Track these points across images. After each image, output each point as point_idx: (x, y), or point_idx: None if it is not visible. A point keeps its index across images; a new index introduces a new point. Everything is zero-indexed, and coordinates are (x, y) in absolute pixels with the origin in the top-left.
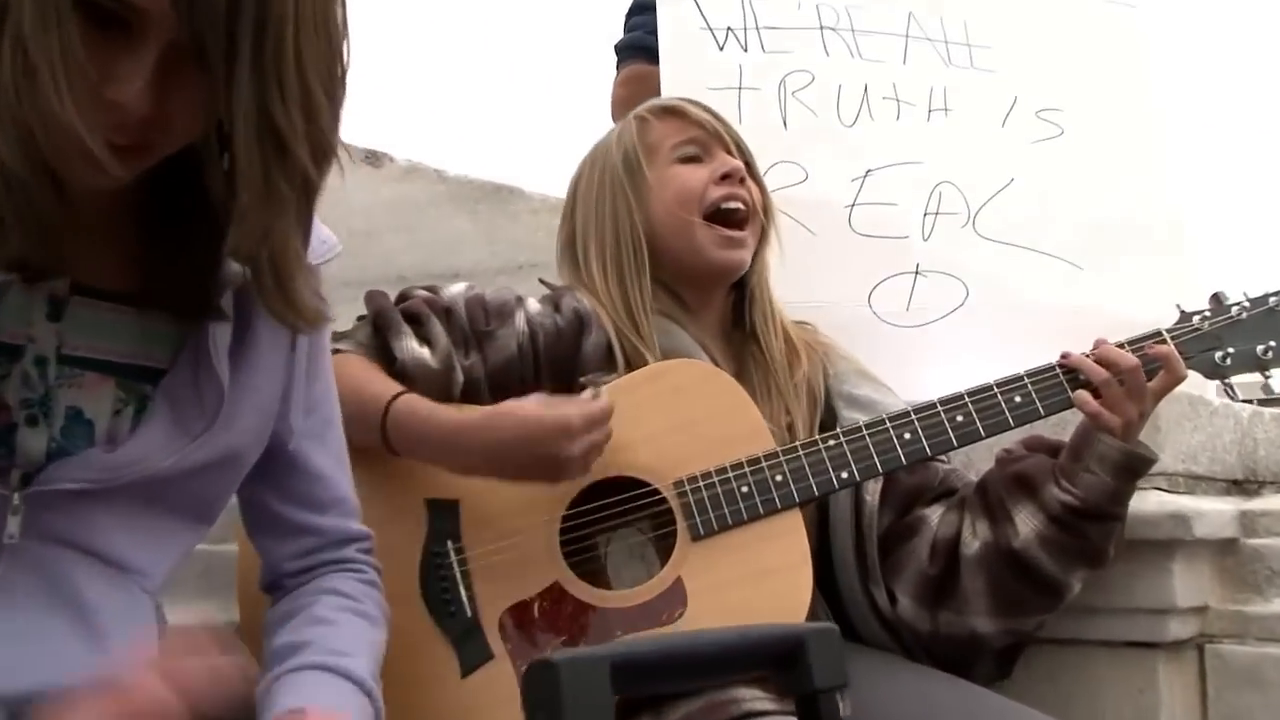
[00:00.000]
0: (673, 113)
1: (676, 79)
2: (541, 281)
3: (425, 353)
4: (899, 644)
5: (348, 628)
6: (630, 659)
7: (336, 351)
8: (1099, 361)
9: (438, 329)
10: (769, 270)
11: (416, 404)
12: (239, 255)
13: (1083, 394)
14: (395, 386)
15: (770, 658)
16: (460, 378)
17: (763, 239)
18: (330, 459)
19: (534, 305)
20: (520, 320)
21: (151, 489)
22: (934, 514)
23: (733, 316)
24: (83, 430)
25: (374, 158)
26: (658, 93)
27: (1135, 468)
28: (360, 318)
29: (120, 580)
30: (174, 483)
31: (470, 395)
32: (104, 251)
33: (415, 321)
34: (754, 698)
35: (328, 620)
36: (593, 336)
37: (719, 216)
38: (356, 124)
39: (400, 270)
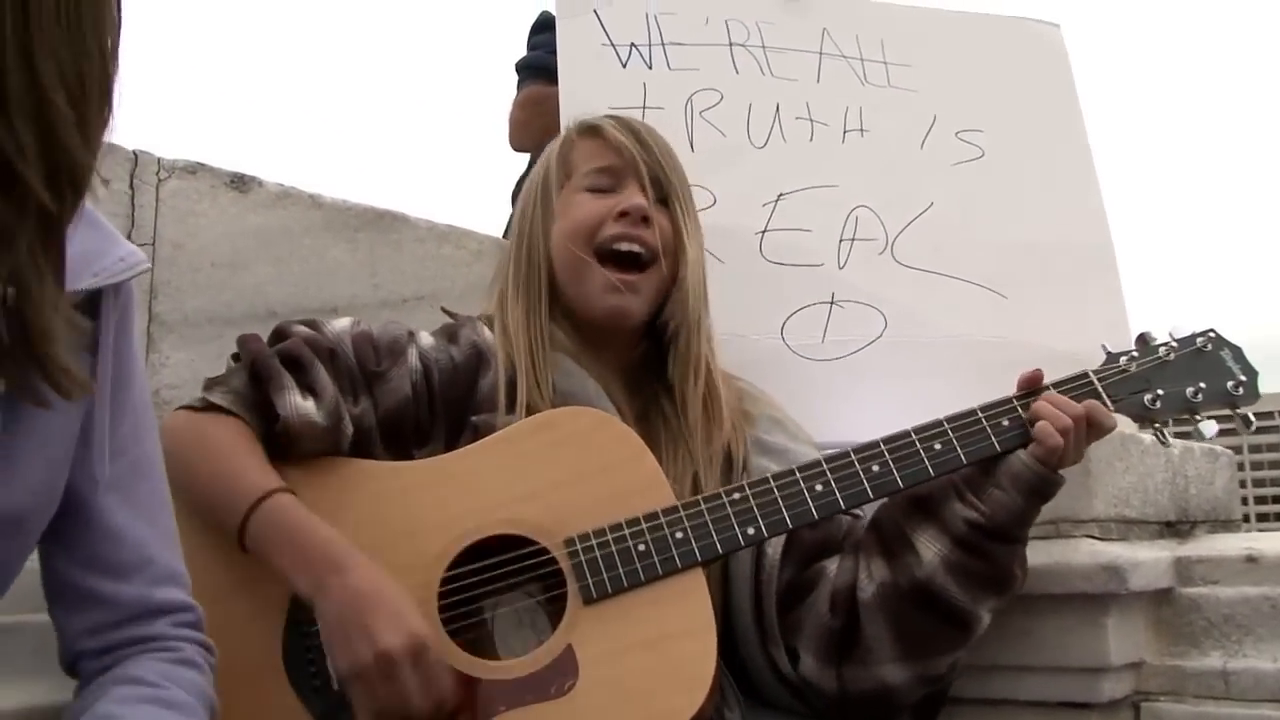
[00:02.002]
0: (592, 133)
1: (576, 98)
2: (443, 310)
3: (310, 407)
4: (807, 707)
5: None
6: None
7: (209, 405)
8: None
9: (323, 376)
10: (700, 320)
11: (283, 513)
12: None
13: (1045, 425)
14: (263, 483)
15: None
16: (349, 429)
17: (678, 286)
18: (136, 513)
19: (426, 339)
20: (413, 357)
21: None
22: (832, 564)
23: (645, 362)
24: None
25: (240, 182)
26: (558, 116)
27: (1047, 491)
28: (234, 357)
29: None
30: None
31: (361, 446)
32: None
33: (296, 368)
34: None
35: (110, 718)
36: (490, 375)
37: (611, 258)
38: (221, 145)
39: (271, 304)
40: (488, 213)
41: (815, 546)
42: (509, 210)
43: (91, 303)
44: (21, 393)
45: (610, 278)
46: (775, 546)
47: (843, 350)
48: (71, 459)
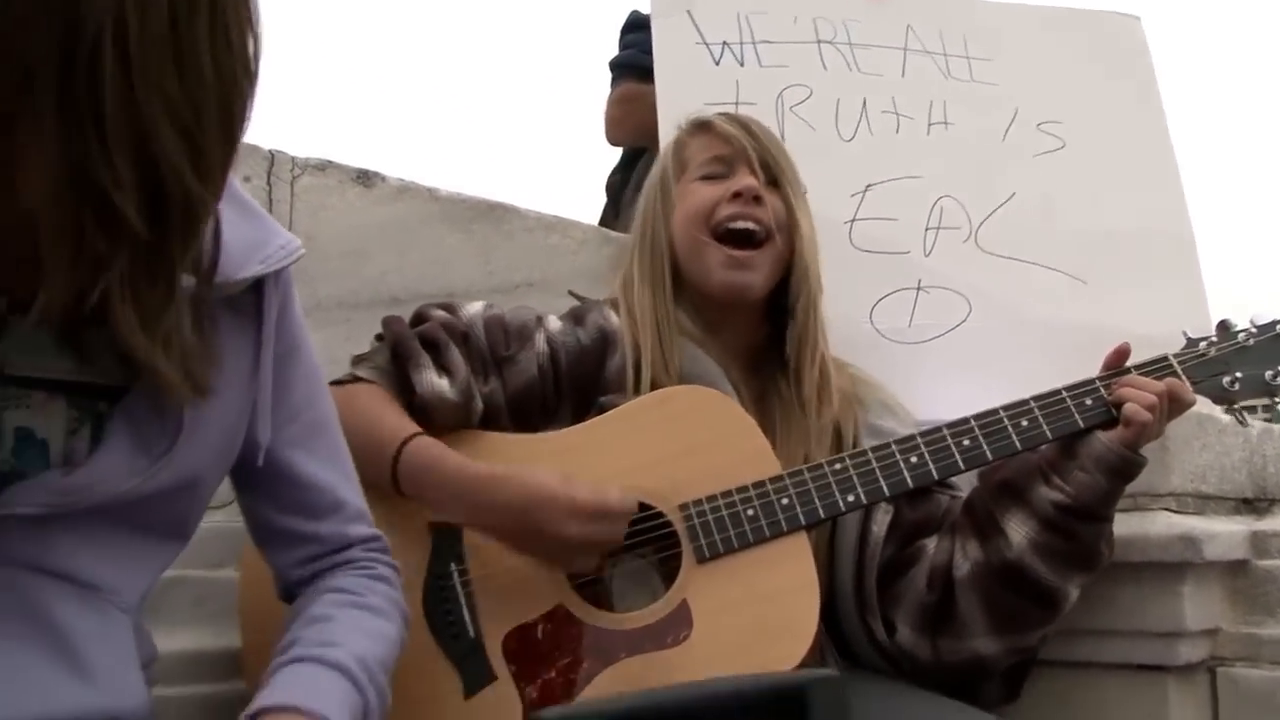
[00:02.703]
0: (702, 128)
1: (672, 96)
2: (571, 293)
3: (444, 384)
4: (899, 672)
5: (342, 620)
6: (629, 713)
7: (356, 379)
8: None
9: (456, 357)
10: (816, 298)
11: (427, 451)
12: (49, 318)
13: (1133, 406)
14: (408, 427)
15: (773, 708)
16: (479, 406)
17: (796, 262)
18: (321, 465)
19: (555, 324)
20: (541, 341)
21: (116, 510)
22: (931, 543)
23: (766, 344)
24: (36, 452)
25: (365, 178)
26: (652, 112)
27: (1130, 472)
28: (378, 337)
29: (93, 601)
30: (140, 504)
31: (490, 421)
32: (38, 271)
33: (433, 348)
34: None
35: (322, 617)
36: (616, 357)
37: (728, 237)
38: (347, 144)
39: (393, 291)
40: (586, 205)
41: (916, 526)
42: (604, 201)
43: (255, 287)
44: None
45: (727, 254)
46: (881, 525)
47: (929, 334)
48: (245, 425)
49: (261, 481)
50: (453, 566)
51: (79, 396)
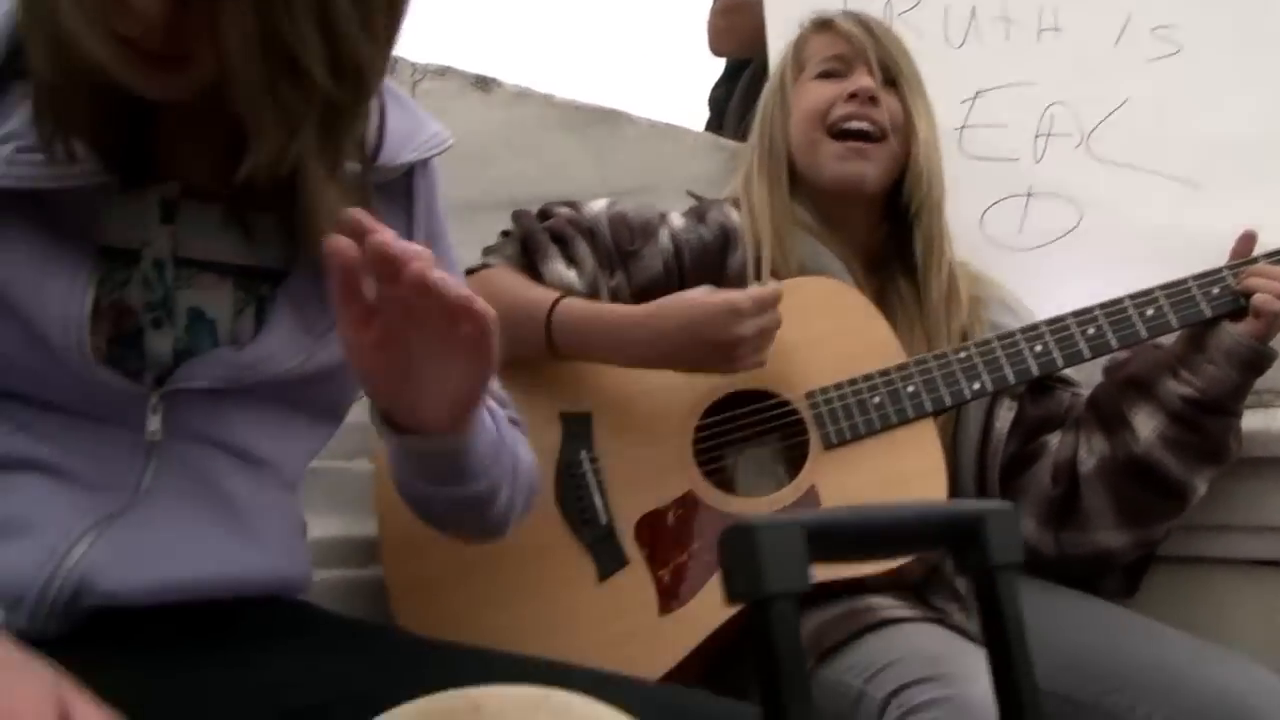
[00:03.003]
0: (824, 26)
1: (779, 4)
2: (689, 193)
3: (572, 275)
4: (1024, 569)
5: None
6: (824, 526)
7: (485, 266)
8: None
9: (584, 250)
10: (941, 202)
11: (581, 303)
12: (258, 177)
13: (1264, 296)
14: (553, 292)
15: (950, 533)
16: (606, 299)
17: (912, 164)
18: None
19: (678, 220)
20: (665, 237)
21: (280, 389)
22: (1054, 439)
23: (886, 244)
24: (206, 330)
25: (483, 83)
26: (757, 21)
27: (1260, 364)
28: (504, 233)
29: (260, 474)
30: (301, 385)
31: None
32: (206, 157)
33: (561, 241)
34: (890, 605)
35: None
36: (738, 253)
37: (842, 136)
38: (465, 50)
39: (512, 195)
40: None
41: (1039, 421)
42: (708, 113)
43: (406, 174)
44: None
45: (841, 147)
46: (1004, 421)
47: (1039, 241)
48: None
49: None
50: (583, 454)
51: (244, 279)
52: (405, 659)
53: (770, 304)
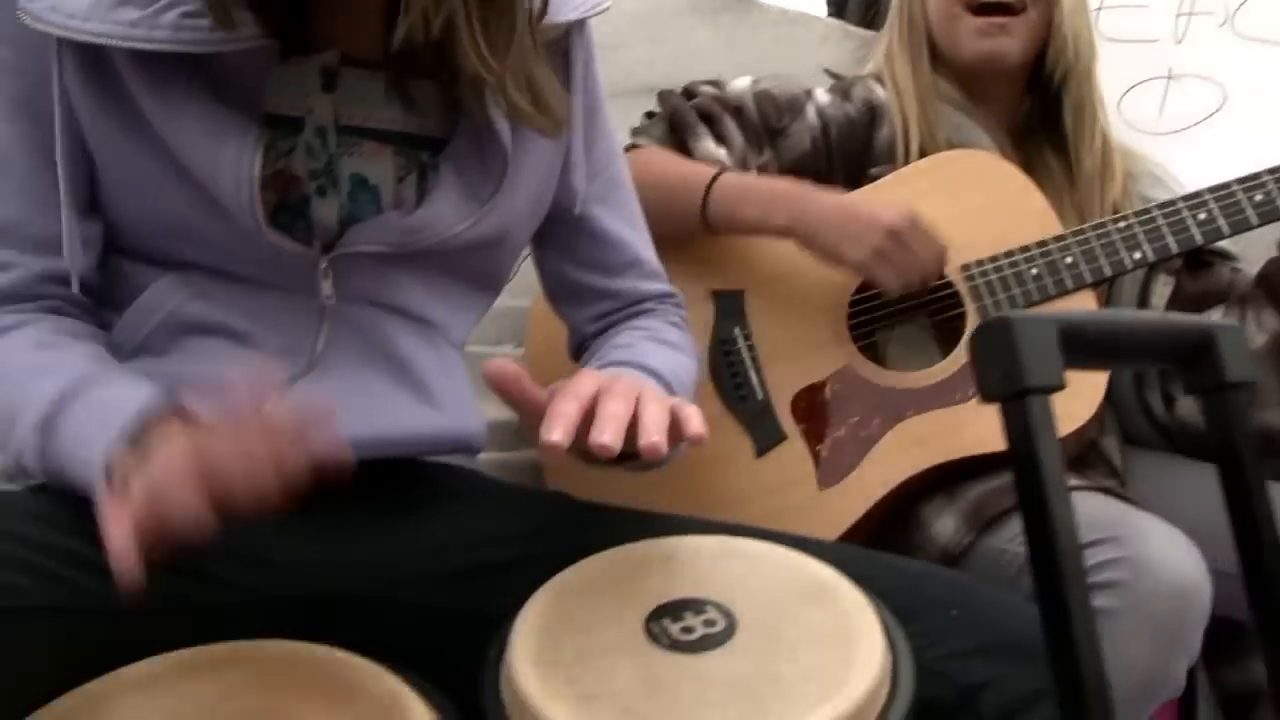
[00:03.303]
0: None
1: None
2: (827, 72)
3: (721, 153)
4: (1173, 447)
5: (644, 345)
6: (1075, 325)
7: (634, 146)
8: None
9: (732, 128)
10: (1090, 68)
11: (739, 178)
12: (414, 41)
13: None
14: (711, 168)
15: (1183, 347)
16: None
17: (1054, 32)
18: (621, 222)
19: (823, 96)
20: (812, 114)
21: (443, 256)
22: (1216, 315)
23: (1031, 117)
24: (369, 197)
25: None
26: None
27: None
28: (648, 114)
29: (429, 336)
30: (464, 252)
31: None
32: (364, 25)
33: (709, 120)
34: None
35: (624, 344)
36: (884, 129)
37: (981, 11)
38: None
39: (649, 80)
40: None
41: (1197, 298)
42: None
43: (563, 37)
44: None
45: (981, 22)
46: (1160, 297)
47: (1180, 124)
48: (558, 175)
49: (563, 237)
50: (737, 331)
51: (405, 146)
52: (578, 521)
53: (923, 239)
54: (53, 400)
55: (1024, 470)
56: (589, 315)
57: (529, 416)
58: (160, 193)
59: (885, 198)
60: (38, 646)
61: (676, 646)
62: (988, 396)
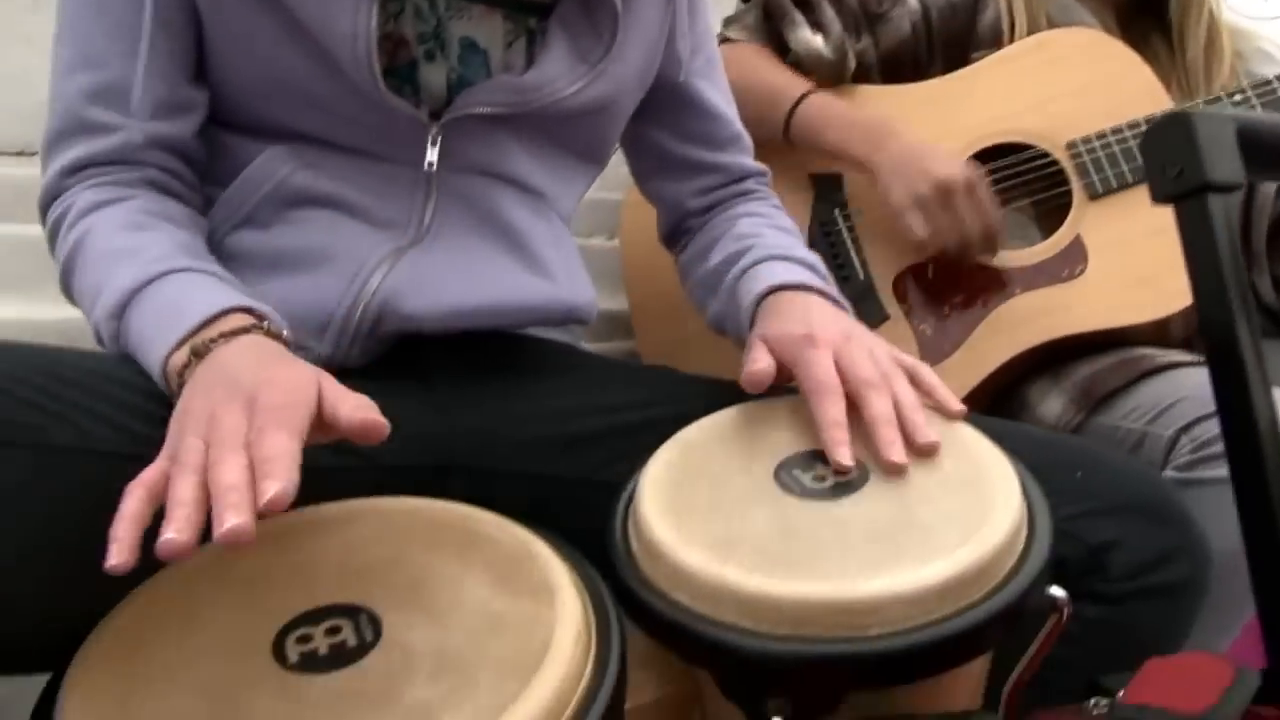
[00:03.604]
0: None
1: None
2: None
3: (819, 42)
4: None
5: (775, 235)
6: (1252, 126)
7: (726, 39)
8: None
9: (829, 14)
10: None
11: (825, 100)
12: None
13: None
14: (800, 84)
15: None
16: (852, 63)
17: None
18: (722, 97)
19: None
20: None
21: (552, 122)
22: None
23: (1139, 4)
24: (478, 60)
25: None
26: None
27: None
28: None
29: (537, 206)
30: (573, 119)
31: (860, 78)
32: None
33: (805, 6)
34: (1164, 353)
35: (756, 234)
36: (988, 13)
37: None
38: None
39: None
40: None
41: None
42: None
43: None
44: None
45: None
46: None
47: None
48: (664, 44)
49: (667, 109)
50: (837, 213)
51: (514, 10)
52: (684, 391)
53: (981, 204)
54: (127, 290)
55: (1203, 275)
56: (692, 189)
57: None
58: (273, 51)
59: (988, 77)
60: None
61: (810, 494)
62: (1162, 197)
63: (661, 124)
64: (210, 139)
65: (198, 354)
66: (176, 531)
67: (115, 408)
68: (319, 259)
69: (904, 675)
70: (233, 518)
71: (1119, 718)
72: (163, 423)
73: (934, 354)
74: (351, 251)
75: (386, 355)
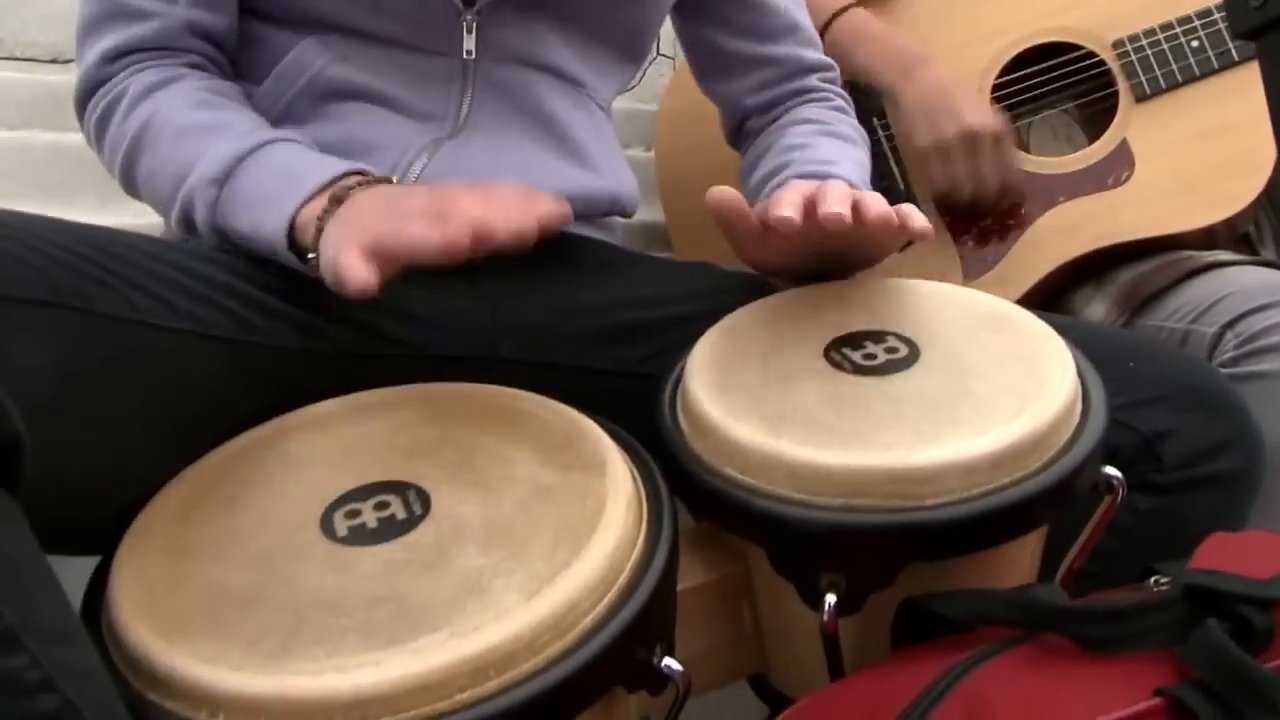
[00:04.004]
0: None
1: None
2: None
3: None
4: None
5: (824, 147)
6: None
7: None
8: None
9: None
10: None
11: (862, 19)
12: None
13: None
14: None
15: None
16: None
17: None
18: None
19: None
20: None
21: (591, 12)
22: None
23: None
24: None
25: None
26: None
27: None
28: None
29: (577, 96)
30: (610, 10)
31: None
32: None
33: None
34: (1209, 253)
35: (801, 145)
36: None
37: None
38: None
39: None
40: None
41: None
42: None
43: None
44: None
45: None
46: None
47: None
48: None
49: (716, 8)
50: (875, 122)
51: None
52: (727, 285)
53: (1005, 152)
54: (230, 158)
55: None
56: (749, 85)
57: (745, 235)
58: None
59: None
60: (217, 377)
61: (860, 370)
62: (1241, 31)
63: (711, 20)
64: (245, 32)
65: (337, 199)
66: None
67: (164, 285)
68: (358, 152)
69: (961, 546)
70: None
71: (1189, 584)
72: (209, 303)
73: (978, 266)
74: (390, 143)
75: None
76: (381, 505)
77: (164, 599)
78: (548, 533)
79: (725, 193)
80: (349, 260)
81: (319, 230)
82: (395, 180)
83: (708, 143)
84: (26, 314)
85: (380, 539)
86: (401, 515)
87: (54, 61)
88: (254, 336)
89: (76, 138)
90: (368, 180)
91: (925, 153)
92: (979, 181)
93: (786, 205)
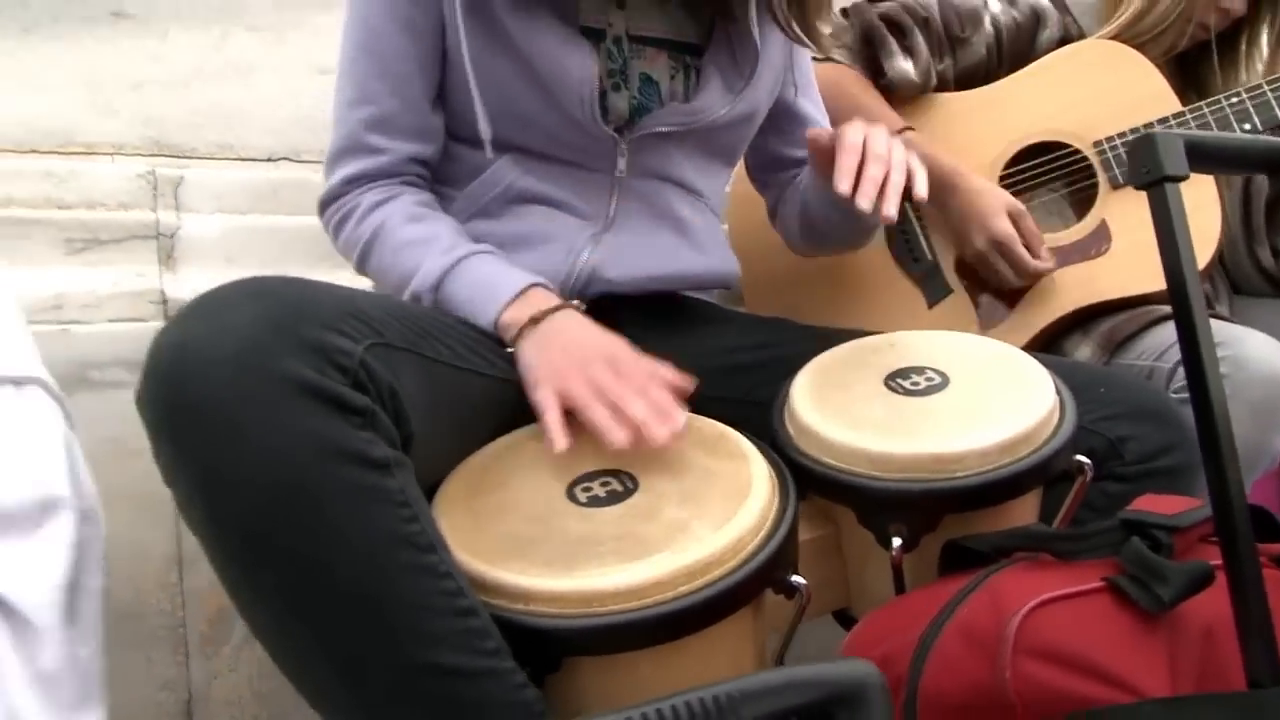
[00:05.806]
0: None
1: None
2: None
3: (909, 67)
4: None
5: None
6: (1197, 140)
7: (830, 59)
8: None
9: (919, 41)
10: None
11: (914, 141)
12: None
13: None
14: (893, 119)
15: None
16: (934, 83)
17: None
18: (816, 109)
19: (995, 4)
20: (987, 23)
21: (706, 135)
22: None
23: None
24: (652, 91)
25: None
26: None
27: None
28: (843, 12)
29: (696, 203)
30: (720, 131)
31: (936, 89)
32: None
33: (899, 32)
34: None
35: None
36: (1047, 31)
37: None
38: None
39: None
40: None
41: None
42: None
43: None
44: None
45: None
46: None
47: None
48: (781, 75)
49: (780, 121)
50: (907, 205)
51: (675, 51)
52: (804, 335)
53: (1028, 259)
54: (439, 272)
55: (1164, 234)
56: (787, 178)
57: (823, 162)
58: (514, 92)
59: (1030, 83)
60: (484, 401)
61: (910, 393)
62: (1139, 185)
63: (775, 132)
64: (447, 151)
65: (535, 320)
66: (610, 433)
67: (450, 338)
68: (543, 240)
69: (982, 503)
70: (658, 428)
71: (1123, 518)
72: (474, 352)
73: (990, 319)
74: (563, 236)
75: (588, 309)
76: (605, 483)
77: (475, 542)
78: (719, 497)
79: (818, 132)
80: (553, 421)
81: (519, 335)
82: (569, 273)
83: (767, 221)
84: (405, 358)
85: (611, 503)
86: (620, 489)
87: (268, 160)
88: (496, 373)
89: (289, 220)
90: (552, 307)
91: (980, 259)
92: (1026, 263)
93: (844, 179)
